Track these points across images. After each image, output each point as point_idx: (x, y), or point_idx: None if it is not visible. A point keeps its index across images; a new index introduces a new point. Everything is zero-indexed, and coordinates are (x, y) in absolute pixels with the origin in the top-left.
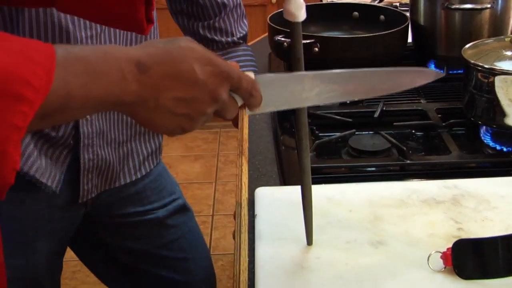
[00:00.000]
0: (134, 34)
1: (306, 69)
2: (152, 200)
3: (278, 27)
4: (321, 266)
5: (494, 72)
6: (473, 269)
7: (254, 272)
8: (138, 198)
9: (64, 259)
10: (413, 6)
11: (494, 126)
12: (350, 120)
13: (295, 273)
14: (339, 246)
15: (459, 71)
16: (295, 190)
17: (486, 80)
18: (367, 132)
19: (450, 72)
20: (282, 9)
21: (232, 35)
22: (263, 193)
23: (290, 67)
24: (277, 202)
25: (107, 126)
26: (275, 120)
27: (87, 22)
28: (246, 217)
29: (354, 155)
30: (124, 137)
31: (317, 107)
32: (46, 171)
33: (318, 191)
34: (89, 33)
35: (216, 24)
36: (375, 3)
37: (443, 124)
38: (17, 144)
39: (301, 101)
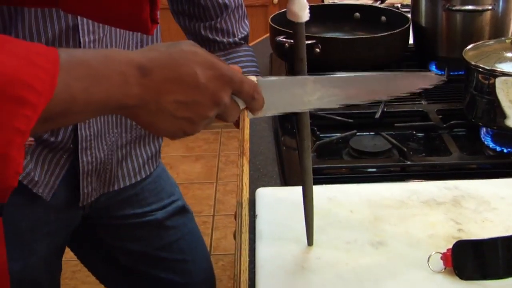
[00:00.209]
0: (136, 37)
1: (308, 70)
2: (151, 201)
3: (279, 28)
4: (321, 267)
5: (495, 74)
6: (473, 270)
7: (254, 272)
8: (137, 200)
9: (64, 259)
10: (414, 7)
11: (495, 127)
12: (351, 121)
13: (296, 274)
14: (340, 246)
15: (460, 73)
16: (296, 191)
17: (487, 82)
18: (368, 133)
19: (451, 73)
20: (283, 10)
21: (234, 36)
22: (264, 193)
23: (292, 68)
24: (278, 203)
25: (105, 128)
26: (276, 121)
27: (90, 25)
28: (247, 217)
29: (355, 156)
30: (124, 140)
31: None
32: (39, 181)
33: (319, 191)
34: (91, 38)
35: (218, 25)
36: (377, 4)
37: (444, 125)
38: (20, 147)
39: (303, 105)
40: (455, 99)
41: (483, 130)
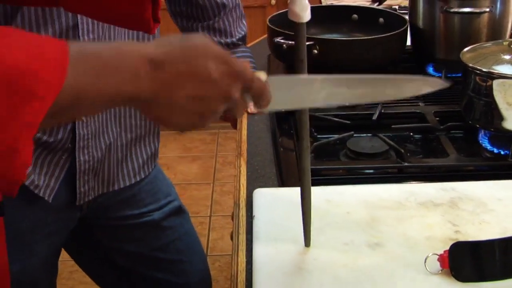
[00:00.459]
0: (135, 37)
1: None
2: (148, 202)
3: (277, 29)
4: (318, 267)
5: (492, 76)
6: (470, 271)
7: (251, 273)
8: (134, 201)
9: (61, 259)
10: (412, 9)
11: (492, 129)
12: (349, 122)
13: (293, 274)
14: (337, 247)
15: (458, 75)
16: (293, 191)
17: (484, 84)
18: (365, 135)
19: (449, 75)
20: (281, 11)
21: (231, 36)
22: (261, 194)
23: (291, 69)
24: (275, 203)
25: (102, 128)
26: (274, 122)
27: (90, 25)
28: (244, 218)
29: (352, 157)
30: (123, 140)
31: (316, 109)
32: (40, 183)
33: (316, 192)
34: (91, 37)
35: (216, 25)
36: (375, 6)
37: (441, 127)
38: (29, 141)
39: (308, 103)
40: (453, 101)
41: (481, 132)
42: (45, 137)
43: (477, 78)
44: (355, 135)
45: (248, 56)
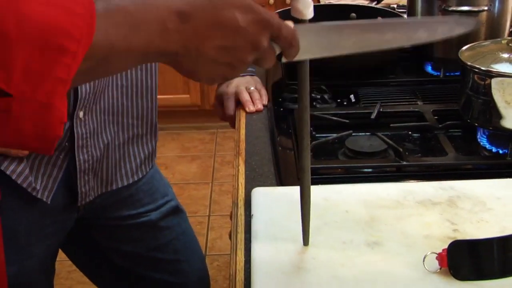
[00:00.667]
0: None
1: None
2: (145, 202)
3: None
4: (317, 267)
5: (490, 74)
6: (468, 270)
7: (250, 272)
8: (132, 201)
9: (60, 259)
10: (411, 8)
11: (491, 128)
12: (347, 121)
13: (292, 273)
14: (335, 246)
15: (456, 73)
16: (292, 191)
17: (483, 82)
18: (363, 133)
19: (447, 74)
20: (279, 10)
21: None
22: (259, 193)
23: (289, 69)
24: (274, 203)
25: (101, 127)
26: (272, 121)
27: None
28: (243, 217)
29: (351, 156)
30: (121, 139)
31: (314, 109)
32: (38, 184)
33: (315, 191)
34: None
35: None
36: (373, 5)
37: (440, 125)
38: (63, 97)
39: (338, 50)
40: (451, 99)
41: (479, 131)
42: None
43: (475, 76)
44: (353, 134)
45: None
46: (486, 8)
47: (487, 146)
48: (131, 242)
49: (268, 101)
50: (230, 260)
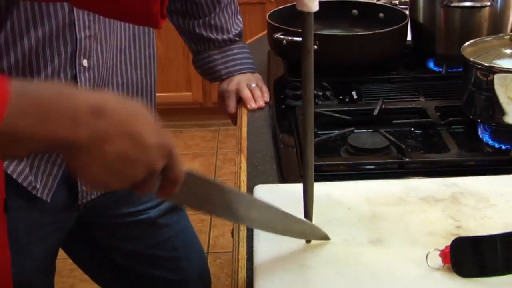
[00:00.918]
0: (129, 32)
1: None
2: (144, 200)
3: (277, 25)
4: (319, 264)
5: (493, 70)
6: (472, 267)
7: (252, 269)
8: (131, 199)
9: (62, 257)
10: (413, 4)
11: (493, 124)
12: (349, 118)
13: (294, 271)
14: (338, 243)
15: (459, 69)
16: (294, 188)
17: (486, 78)
18: (366, 130)
19: (450, 70)
20: (281, 7)
21: (228, 32)
22: (261, 190)
23: (290, 64)
24: (276, 200)
25: None
26: (274, 118)
27: (86, 21)
28: None
29: (353, 153)
30: None
31: (316, 106)
32: (38, 183)
33: (317, 188)
34: (87, 33)
35: (212, 21)
36: (374, 1)
37: (442, 122)
38: None
39: (213, 211)
40: (453, 95)
41: (482, 127)
42: None
43: (478, 72)
44: (355, 130)
45: (245, 52)
46: (488, 3)
47: (490, 142)
48: (131, 240)
49: (270, 98)
50: (232, 258)
